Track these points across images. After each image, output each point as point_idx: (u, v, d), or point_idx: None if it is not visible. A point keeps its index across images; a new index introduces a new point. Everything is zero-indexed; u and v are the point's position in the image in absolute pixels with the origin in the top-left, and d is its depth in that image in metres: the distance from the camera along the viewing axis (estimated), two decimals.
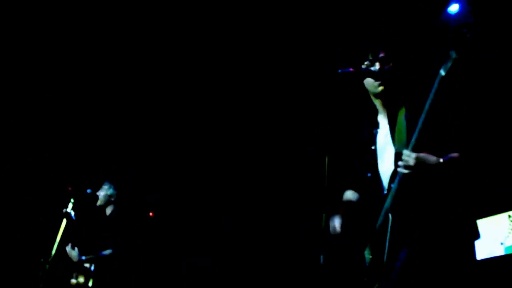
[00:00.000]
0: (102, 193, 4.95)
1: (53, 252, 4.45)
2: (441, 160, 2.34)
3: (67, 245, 4.74)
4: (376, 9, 4.92)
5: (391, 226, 2.37)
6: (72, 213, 4.67)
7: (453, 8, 4.68)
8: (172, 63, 5.95)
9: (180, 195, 7.04)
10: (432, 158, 2.34)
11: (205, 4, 5.35)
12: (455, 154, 2.38)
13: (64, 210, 4.60)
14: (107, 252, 4.63)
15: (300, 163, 6.11)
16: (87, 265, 4.67)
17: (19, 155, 6.14)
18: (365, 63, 2.59)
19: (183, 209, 7.05)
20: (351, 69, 2.57)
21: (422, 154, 2.35)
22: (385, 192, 2.51)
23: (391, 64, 2.59)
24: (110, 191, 4.97)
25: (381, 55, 2.59)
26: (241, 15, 5.41)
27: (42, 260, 4.49)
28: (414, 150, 2.35)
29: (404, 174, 2.36)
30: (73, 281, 4.67)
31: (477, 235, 2.41)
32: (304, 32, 5.44)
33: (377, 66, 2.58)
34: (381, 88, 2.60)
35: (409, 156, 2.34)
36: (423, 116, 2.34)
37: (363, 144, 2.75)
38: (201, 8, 5.38)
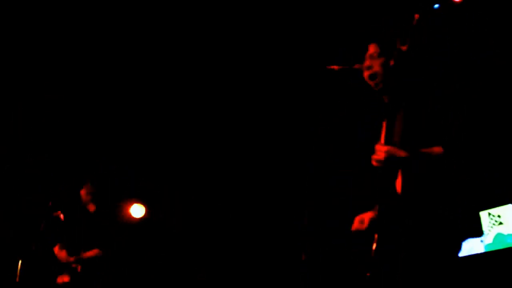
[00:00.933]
0: (83, 192, 4.92)
1: (33, 251, 4.45)
2: (410, 153, 2.31)
3: (55, 246, 4.75)
4: (375, 8, 4.92)
5: (379, 223, 2.38)
6: (61, 216, 4.67)
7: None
8: (166, 62, 5.94)
9: (170, 193, 7.04)
10: (402, 152, 2.32)
11: (204, 4, 5.35)
12: (432, 148, 2.33)
13: (52, 213, 4.59)
14: (93, 252, 4.63)
15: (291, 163, 6.12)
16: (74, 265, 4.67)
17: (19, 155, 6.14)
18: (364, 63, 2.56)
19: (172, 207, 7.06)
20: (335, 66, 2.55)
21: (392, 148, 2.34)
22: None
23: (387, 62, 2.54)
24: (91, 190, 4.93)
25: (376, 52, 2.55)
26: (240, 14, 5.41)
27: (21, 259, 4.48)
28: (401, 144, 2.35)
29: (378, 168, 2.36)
30: (60, 281, 4.67)
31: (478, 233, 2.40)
32: (302, 32, 5.44)
33: (373, 65, 2.55)
34: (378, 87, 2.57)
35: (380, 150, 2.35)
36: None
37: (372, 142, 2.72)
38: (200, 8, 5.39)
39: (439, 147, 2.30)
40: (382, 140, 2.52)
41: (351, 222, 2.66)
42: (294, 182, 6.13)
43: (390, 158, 2.31)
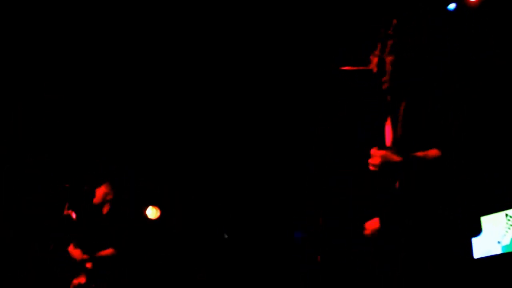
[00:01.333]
0: (100, 191, 4.95)
1: (51, 250, 4.46)
2: (406, 158, 2.27)
3: (69, 245, 4.78)
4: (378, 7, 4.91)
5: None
6: (74, 215, 4.68)
7: (451, 6, 4.70)
8: (171, 63, 5.95)
9: (178, 195, 7.05)
10: (397, 157, 2.29)
11: (204, 4, 5.35)
12: (428, 152, 2.29)
13: (65, 212, 4.61)
14: (108, 251, 4.65)
15: (297, 165, 6.11)
16: (89, 264, 4.69)
17: (19, 155, 6.15)
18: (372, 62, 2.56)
19: (182, 209, 7.07)
20: (347, 68, 2.54)
21: (387, 152, 2.30)
22: None
23: (392, 61, 2.53)
24: (107, 190, 4.97)
25: (382, 52, 2.55)
26: (241, 14, 5.42)
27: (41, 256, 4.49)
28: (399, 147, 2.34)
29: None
30: (75, 281, 4.69)
31: (476, 232, 2.38)
32: (304, 31, 5.45)
33: (378, 64, 2.54)
34: (385, 86, 2.56)
35: (375, 154, 2.32)
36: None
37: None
38: (201, 8, 5.39)
39: (435, 149, 2.29)
40: (388, 142, 2.52)
41: (351, 222, 2.66)
42: (294, 182, 6.14)
43: (385, 163, 2.30)
